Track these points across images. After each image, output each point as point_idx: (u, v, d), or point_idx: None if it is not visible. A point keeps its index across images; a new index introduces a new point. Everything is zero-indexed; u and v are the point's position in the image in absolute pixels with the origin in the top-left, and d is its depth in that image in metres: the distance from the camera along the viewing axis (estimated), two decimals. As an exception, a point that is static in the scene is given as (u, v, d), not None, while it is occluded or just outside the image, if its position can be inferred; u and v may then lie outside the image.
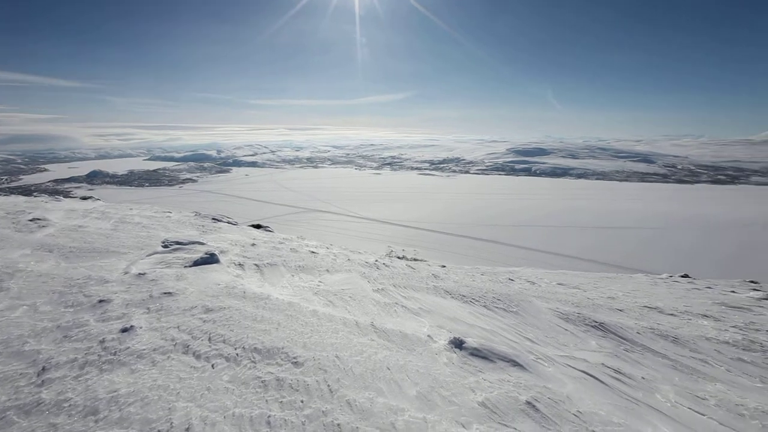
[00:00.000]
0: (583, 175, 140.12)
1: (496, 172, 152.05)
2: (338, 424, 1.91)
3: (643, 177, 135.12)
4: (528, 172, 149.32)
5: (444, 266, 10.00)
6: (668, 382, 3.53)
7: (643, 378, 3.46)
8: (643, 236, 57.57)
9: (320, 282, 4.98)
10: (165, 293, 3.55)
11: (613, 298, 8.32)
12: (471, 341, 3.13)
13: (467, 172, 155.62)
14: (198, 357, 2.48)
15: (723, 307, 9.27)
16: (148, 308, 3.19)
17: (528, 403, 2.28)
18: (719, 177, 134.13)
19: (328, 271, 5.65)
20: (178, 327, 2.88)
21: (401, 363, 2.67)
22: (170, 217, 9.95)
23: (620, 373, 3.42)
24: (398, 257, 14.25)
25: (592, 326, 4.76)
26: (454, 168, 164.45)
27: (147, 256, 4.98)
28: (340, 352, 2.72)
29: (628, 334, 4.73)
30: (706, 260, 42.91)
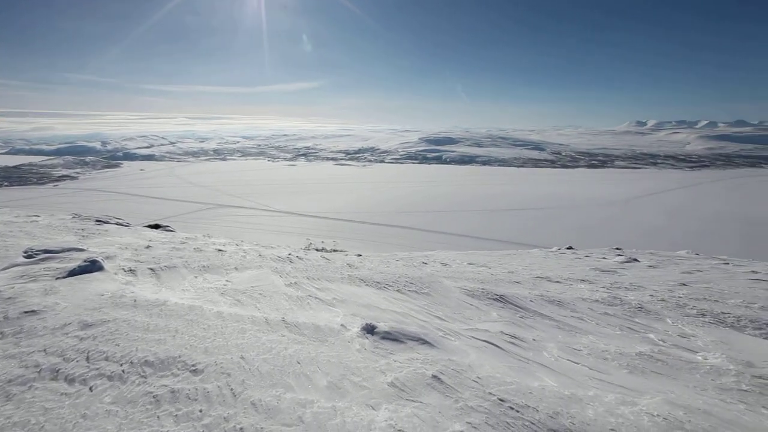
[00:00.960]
0: (487, 162, 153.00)
1: (410, 161, 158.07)
2: (241, 429, 1.81)
3: (536, 163, 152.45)
4: (439, 160, 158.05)
5: (360, 255, 10.13)
6: (553, 340, 4.06)
7: (533, 339, 3.92)
8: (539, 215, 65.15)
9: (227, 281, 4.66)
10: (27, 312, 2.99)
11: (512, 272, 9.28)
12: (383, 326, 3.21)
13: (382, 161, 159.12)
14: (71, 381, 2.14)
15: (597, 272, 10.91)
16: (1, 333, 2.65)
17: (434, 376, 2.42)
18: (593, 162, 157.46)
19: (236, 269, 5.32)
20: (44, 350, 2.45)
21: (312, 355, 2.63)
22: (38, 222, 8.41)
23: (515, 337, 3.83)
24: (317, 249, 14.03)
25: (493, 299, 5.24)
26: (369, 157, 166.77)
27: (0, 271, 4.14)
28: (246, 352, 2.58)
29: (523, 302, 5.31)
30: (586, 233, 50.18)
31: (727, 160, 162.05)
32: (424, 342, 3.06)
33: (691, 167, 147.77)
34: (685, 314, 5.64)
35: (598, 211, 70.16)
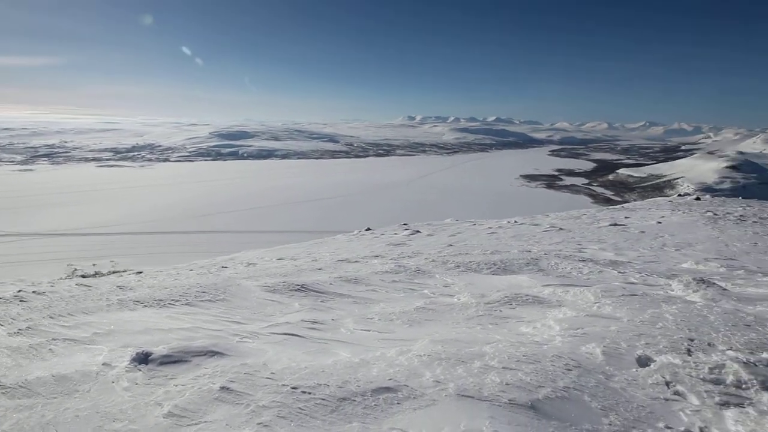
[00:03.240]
0: (286, 155, 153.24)
1: (201, 158, 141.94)
2: None
3: (333, 154, 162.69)
4: (236, 155, 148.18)
5: (141, 272, 8.48)
6: (350, 315, 4.41)
7: (332, 320, 4.16)
8: (341, 202, 70.03)
9: None
10: None
11: (316, 260, 9.65)
12: (161, 350, 2.74)
13: (167, 159, 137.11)
14: None
15: (390, 246, 12.53)
16: None
17: (223, 388, 2.22)
18: (380, 151, 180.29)
19: None
20: None
21: (48, 419, 1.99)
22: None
23: (316, 322, 3.96)
24: (83, 276, 10.98)
25: (295, 290, 5.28)
26: (149, 156, 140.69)
27: None
28: None
29: (324, 287, 5.57)
30: (380, 213, 57.04)
31: (468, 147, 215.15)
32: (215, 353, 2.78)
33: (448, 153, 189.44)
34: (448, 268, 7.15)
35: (387, 192, 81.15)
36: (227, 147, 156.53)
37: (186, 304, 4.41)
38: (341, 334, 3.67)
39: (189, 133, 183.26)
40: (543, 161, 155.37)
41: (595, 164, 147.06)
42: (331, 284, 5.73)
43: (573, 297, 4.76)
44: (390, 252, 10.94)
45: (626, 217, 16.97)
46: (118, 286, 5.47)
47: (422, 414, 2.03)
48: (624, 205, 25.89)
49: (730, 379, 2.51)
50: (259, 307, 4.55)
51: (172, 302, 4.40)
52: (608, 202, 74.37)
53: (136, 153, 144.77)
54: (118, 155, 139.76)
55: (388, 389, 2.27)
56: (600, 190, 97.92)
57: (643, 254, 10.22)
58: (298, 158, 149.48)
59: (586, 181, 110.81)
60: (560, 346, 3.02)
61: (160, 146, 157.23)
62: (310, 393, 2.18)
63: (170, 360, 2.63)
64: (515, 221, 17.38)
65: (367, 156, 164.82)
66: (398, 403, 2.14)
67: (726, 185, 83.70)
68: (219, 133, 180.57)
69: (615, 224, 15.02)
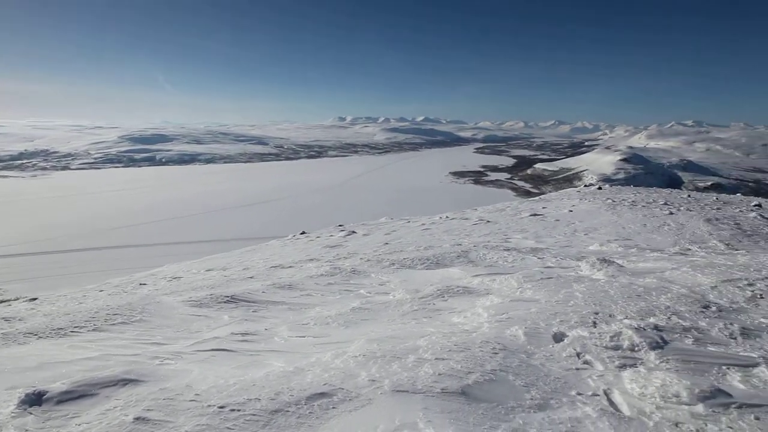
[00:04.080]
0: (211, 159, 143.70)
1: (110, 165, 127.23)
2: None
3: (262, 157, 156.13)
4: (152, 161, 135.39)
5: (35, 299, 7.38)
6: (285, 323, 4.26)
7: (266, 329, 3.98)
8: (274, 206, 67.49)
9: None
10: None
11: (248, 268, 9.18)
12: (59, 386, 2.40)
13: (66, 167, 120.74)
14: None
15: (326, 248, 12.34)
16: None
17: (137, 419, 2.00)
18: (311, 153, 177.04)
19: None
20: None
21: None
22: None
23: (247, 334, 3.76)
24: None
25: (224, 302, 4.97)
26: (43, 164, 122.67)
27: None
28: None
29: (256, 296, 5.31)
30: (315, 216, 56.05)
31: (399, 147, 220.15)
32: (129, 381, 2.50)
33: (380, 152, 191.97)
34: (383, 267, 7.23)
35: (322, 195, 79.99)
36: (142, 152, 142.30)
37: (94, 329, 3.91)
38: (275, 344, 3.52)
39: (93, 138, 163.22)
40: (469, 158, 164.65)
41: (515, 160, 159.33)
42: (263, 292, 5.48)
43: (499, 285, 5.10)
44: (326, 254, 10.79)
45: (543, 208, 18.64)
46: (2, 318, 4.67)
47: (358, 415, 2.03)
48: (541, 196, 28.43)
49: (626, 344, 2.86)
50: (184, 324, 4.20)
51: (75, 330, 3.88)
52: (528, 194, 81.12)
53: (25, 161, 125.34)
54: (1, 164, 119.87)
55: (323, 395, 2.22)
56: (521, 183, 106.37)
57: (558, 240, 11.30)
58: (225, 162, 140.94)
59: (509, 175, 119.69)
60: (487, 332, 3.21)
61: (56, 152, 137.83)
62: (239, 410, 2.05)
63: (72, 396, 2.31)
64: (447, 216, 18.18)
65: (299, 158, 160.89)
66: (333, 407, 2.11)
67: (621, 175, 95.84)
68: (131, 136, 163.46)
69: (534, 214, 16.42)
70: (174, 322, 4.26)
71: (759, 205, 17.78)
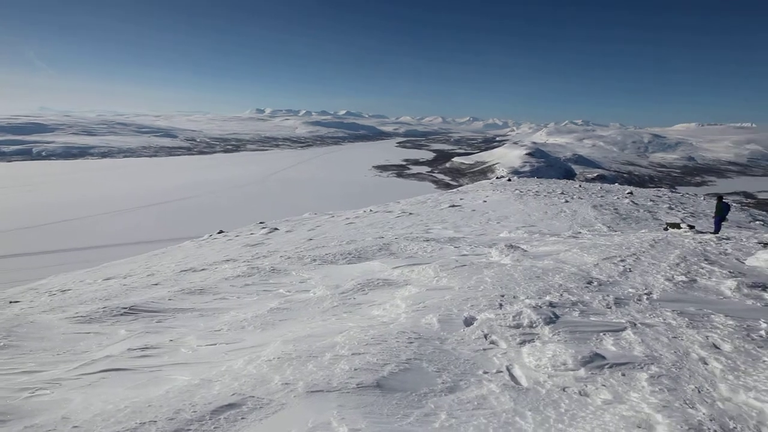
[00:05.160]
0: (108, 153, 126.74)
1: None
2: None
3: (170, 151, 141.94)
4: (28, 154, 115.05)
5: None
6: (194, 331, 3.92)
7: (171, 341, 3.61)
8: (187, 205, 61.96)
9: None
10: None
11: (153, 274, 8.29)
12: None
13: None
14: None
15: (246, 248, 11.65)
16: None
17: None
18: (228, 147, 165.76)
19: None
20: None
21: None
22: None
23: (147, 348, 3.37)
24: None
25: (121, 314, 4.41)
26: None
27: None
28: None
29: (161, 304, 4.80)
30: (234, 213, 52.75)
31: (322, 140, 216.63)
32: (-16, 423, 2.07)
33: (302, 146, 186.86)
34: (304, 264, 7.04)
35: (241, 191, 75.54)
36: (14, 143, 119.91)
37: (-62, 363, 3.19)
38: (181, 356, 3.21)
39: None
40: (392, 152, 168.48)
41: (435, 154, 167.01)
42: (170, 300, 4.98)
43: (417, 275, 5.28)
44: (245, 254, 10.20)
45: (461, 199, 19.84)
46: None
47: (268, 423, 1.93)
48: (459, 188, 30.25)
49: (525, 322, 3.16)
50: (66, 345, 3.63)
51: None
52: (447, 186, 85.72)
53: None
54: None
55: (231, 406, 2.07)
56: (440, 176, 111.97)
57: (474, 229, 12.11)
58: (125, 156, 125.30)
59: (429, 169, 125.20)
60: (404, 322, 3.29)
61: None
62: (128, 438, 1.82)
63: None
64: (371, 210, 18.39)
65: (215, 152, 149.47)
66: (242, 419, 1.98)
67: (527, 168, 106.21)
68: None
69: (453, 205, 17.39)
70: (53, 344, 3.66)
71: (631, 193, 21.03)
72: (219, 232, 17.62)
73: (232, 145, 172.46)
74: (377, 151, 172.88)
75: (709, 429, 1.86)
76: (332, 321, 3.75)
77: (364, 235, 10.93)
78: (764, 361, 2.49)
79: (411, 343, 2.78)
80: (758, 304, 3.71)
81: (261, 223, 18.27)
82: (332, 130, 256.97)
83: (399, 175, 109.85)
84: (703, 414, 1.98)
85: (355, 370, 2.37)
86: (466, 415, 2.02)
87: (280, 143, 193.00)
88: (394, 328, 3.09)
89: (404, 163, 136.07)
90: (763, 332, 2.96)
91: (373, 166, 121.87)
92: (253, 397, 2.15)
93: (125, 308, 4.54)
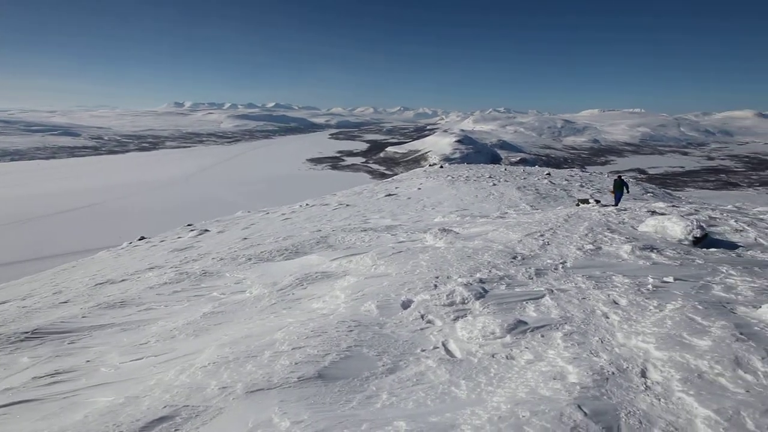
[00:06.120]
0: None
1: None
2: None
3: (72, 152, 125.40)
4: None
5: None
6: (116, 348, 3.58)
7: (87, 362, 3.27)
8: (98, 212, 55.48)
9: None
10: None
11: (61, 291, 7.37)
12: None
13: None
14: None
15: (173, 253, 10.80)
16: None
17: None
18: (144, 144, 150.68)
19: None
20: None
21: None
22: None
23: (58, 374, 3.02)
24: None
25: (21, 340, 3.87)
26: None
27: None
28: None
29: (72, 323, 4.31)
30: (157, 217, 48.41)
31: (251, 135, 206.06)
32: None
33: (230, 142, 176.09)
34: (239, 264, 6.74)
35: (163, 192, 69.48)
36: None
37: None
38: (101, 376, 2.93)
39: None
40: (325, 144, 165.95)
41: (368, 144, 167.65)
42: (84, 317, 4.48)
43: (355, 265, 5.33)
44: (172, 259, 9.46)
45: (396, 188, 20.24)
46: None
47: (206, 430, 1.85)
48: (394, 177, 30.81)
49: (458, 299, 3.36)
50: (-48, 383, 3.11)
51: None
52: (383, 176, 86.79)
53: None
54: None
55: (162, 419, 1.95)
56: (375, 166, 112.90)
57: (411, 216, 12.46)
58: (12, 159, 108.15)
59: (364, 159, 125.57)
60: (344, 312, 3.33)
61: None
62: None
63: None
64: (307, 204, 18.04)
65: (128, 151, 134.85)
66: (176, 430, 1.88)
67: (457, 155, 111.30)
68: None
69: (389, 194, 17.69)
70: (-65, 383, 3.12)
71: (549, 174, 23.09)
72: (140, 239, 16.13)
73: (149, 142, 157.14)
74: (310, 143, 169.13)
75: (608, 371, 2.16)
76: (271, 319, 3.66)
77: (301, 229, 10.71)
78: (650, 309, 2.93)
79: (351, 331, 2.82)
80: (647, 264, 4.34)
81: (189, 225, 17.05)
82: (261, 124, 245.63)
83: (334, 168, 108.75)
84: (605, 360, 2.29)
85: (296, 364, 2.35)
86: (406, 392, 2.11)
87: (204, 139, 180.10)
88: (334, 319, 3.11)
89: (338, 155, 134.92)
90: (650, 286, 3.48)
91: (307, 159, 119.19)
92: (188, 406, 2.05)
93: (26, 333, 4.00)
